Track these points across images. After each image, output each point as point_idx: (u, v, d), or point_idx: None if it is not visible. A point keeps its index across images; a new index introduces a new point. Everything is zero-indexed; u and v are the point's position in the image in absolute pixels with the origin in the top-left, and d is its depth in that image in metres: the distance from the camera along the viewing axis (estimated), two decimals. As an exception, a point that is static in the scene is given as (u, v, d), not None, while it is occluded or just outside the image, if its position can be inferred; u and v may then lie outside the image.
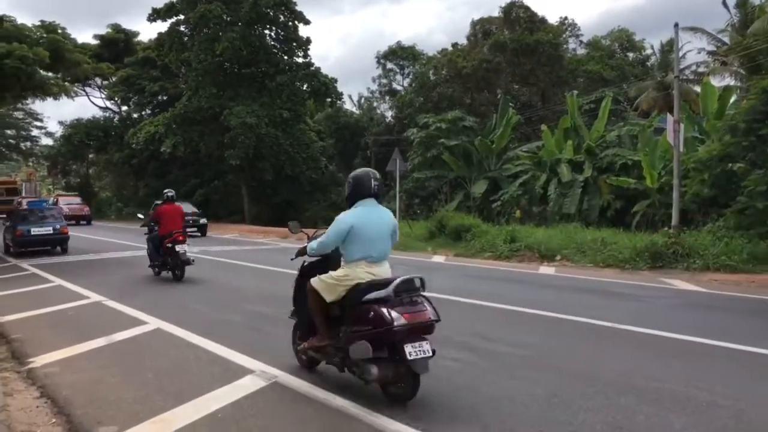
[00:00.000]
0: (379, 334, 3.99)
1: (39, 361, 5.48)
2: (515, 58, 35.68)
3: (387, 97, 48.85)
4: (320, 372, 4.86)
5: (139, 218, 13.81)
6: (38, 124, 52.34)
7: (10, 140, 53.38)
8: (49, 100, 24.03)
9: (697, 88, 25.74)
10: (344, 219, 4.32)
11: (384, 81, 48.61)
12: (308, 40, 34.26)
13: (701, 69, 31.17)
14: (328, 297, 4.37)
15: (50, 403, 4.38)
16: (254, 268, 12.96)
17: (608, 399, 4.27)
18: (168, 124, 33.21)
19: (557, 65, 35.88)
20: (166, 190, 11.80)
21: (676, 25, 14.73)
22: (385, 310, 3.97)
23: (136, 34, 46.53)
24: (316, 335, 4.57)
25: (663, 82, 29.73)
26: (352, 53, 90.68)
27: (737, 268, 11.21)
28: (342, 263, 4.46)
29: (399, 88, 47.75)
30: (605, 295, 9.31)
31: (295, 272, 5.03)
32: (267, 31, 33.91)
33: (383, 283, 4.16)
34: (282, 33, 34.00)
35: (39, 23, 23.43)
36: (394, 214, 5.75)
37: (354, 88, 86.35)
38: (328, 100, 35.91)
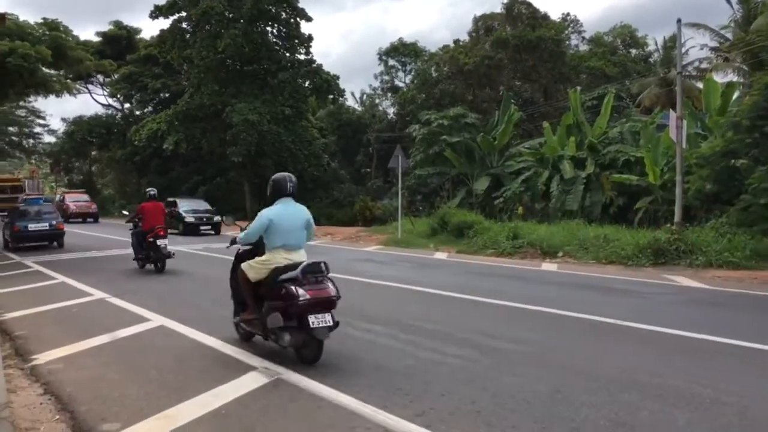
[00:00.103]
0: (288, 307, 4.84)
1: (43, 358, 5.49)
2: (517, 55, 35.62)
3: (389, 94, 48.83)
4: (324, 369, 4.88)
5: (124, 215, 15.01)
6: (41, 121, 52.45)
7: (13, 137, 53.42)
8: (52, 97, 24.05)
9: (700, 85, 25.65)
10: (266, 214, 5.18)
11: (386, 78, 48.66)
12: (310, 37, 34.28)
13: (704, 65, 31.09)
14: (253, 277, 5.23)
15: (54, 400, 4.39)
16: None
17: (611, 395, 4.27)
18: (170, 121, 33.25)
19: (559, 62, 35.80)
20: (148, 189, 12.79)
21: (679, 21, 14.70)
22: (293, 288, 4.84)
23: (138, 31, 46.63)
24: (247, 310, 5.48)
25: (665, 79, 29.65)
26: (353, 50, 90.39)
27: (740, 265, 11.22)
28: (265, 250, 5.27)
29: (401, 84, 47.74)
30: (608, 291, 9.31)
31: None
32: (269, 28, 33.93)
33: (295, 266, 4.99)
34: (284, 30, 33.99)
35: (41, 20, 23.53)
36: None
37: (356, 85, 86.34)
38: (330, 97, 35.94)
